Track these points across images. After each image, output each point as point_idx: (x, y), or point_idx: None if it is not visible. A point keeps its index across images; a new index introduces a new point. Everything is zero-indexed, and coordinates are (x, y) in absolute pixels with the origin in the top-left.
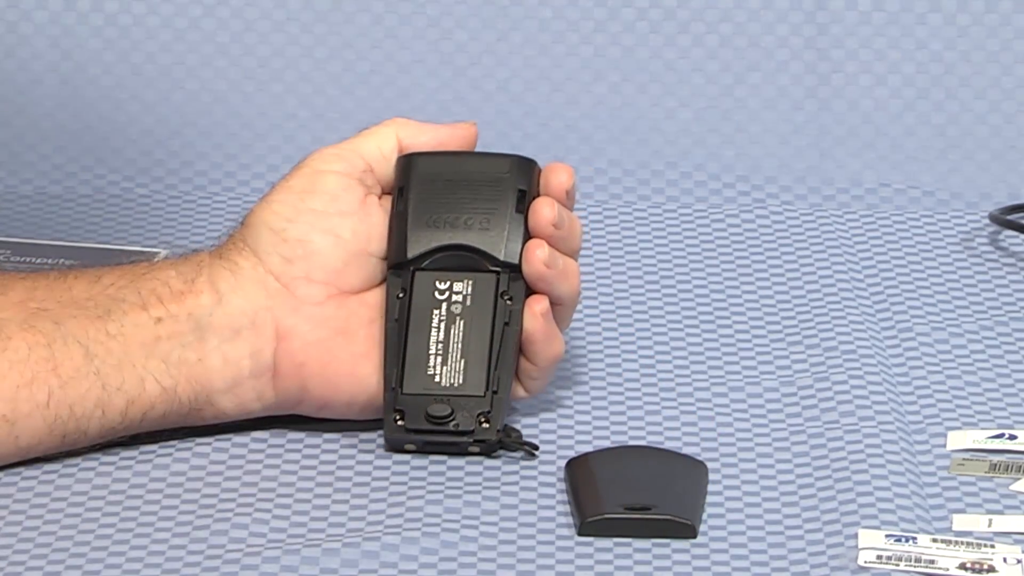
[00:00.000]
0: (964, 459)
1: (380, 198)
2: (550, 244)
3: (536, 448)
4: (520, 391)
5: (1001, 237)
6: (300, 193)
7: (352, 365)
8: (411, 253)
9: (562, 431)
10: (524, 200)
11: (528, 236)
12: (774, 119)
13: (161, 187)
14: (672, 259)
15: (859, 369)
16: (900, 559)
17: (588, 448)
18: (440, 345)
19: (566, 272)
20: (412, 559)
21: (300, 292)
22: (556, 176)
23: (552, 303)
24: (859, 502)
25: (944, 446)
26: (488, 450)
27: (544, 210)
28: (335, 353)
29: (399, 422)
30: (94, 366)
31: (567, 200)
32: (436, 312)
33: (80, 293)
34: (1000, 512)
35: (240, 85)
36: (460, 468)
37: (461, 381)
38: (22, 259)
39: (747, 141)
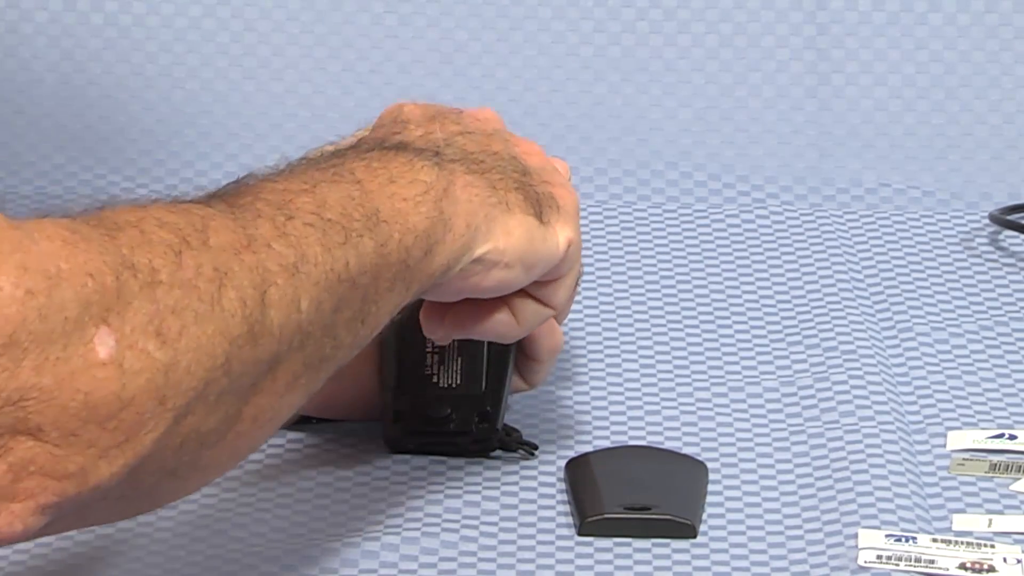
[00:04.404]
0: (964, 459)
1: None
2: None
3: (535, 448)
4: (522, 385)
5: (1001, 237)
6: None
7: (353, 366)
8: None
9: (562, 431)
10: None
11: None
12: (774, 119)
13: (161, 187)
14: (672, 259)
15: (859, 369)
16: (900, 559)
17: (588, 448)
18: (437, 345)
19: None
20: (412, 559)
21: None
22: None
23: None
24: (859, 502)
25: (944, 446)
26: (487, 450)
27: None
28: None
29: (398, 423)
30: None
31: None
32: None
33: None
34: (1000, 512)
35: (240, 85)
36: (460, 468)
37: (459, 381)
38: None
39: (747, 141)
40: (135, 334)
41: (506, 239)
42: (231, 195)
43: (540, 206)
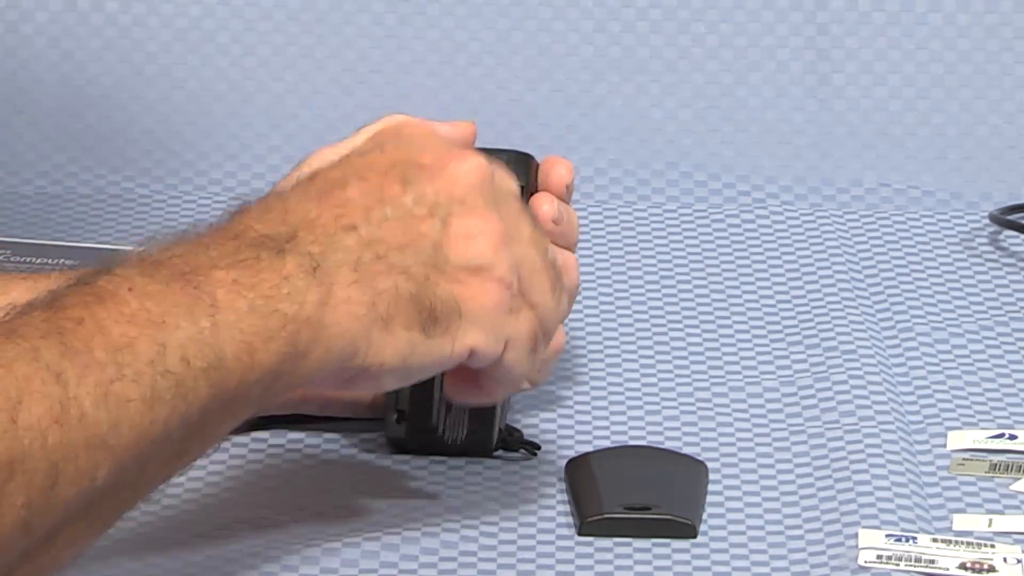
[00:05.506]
0: (964, 459)
1: None
2: (550, 240)
3: (537, 448)
4: (524, 384)
5: (1001, 237)
6: None
7: None
8: None
9: (562, 431)
10: (523, 196)
11: None
12: (774, 119)
13: (161, 187)
14: (672, 259)
15: (859, 369)
16: (900, 559)
17: (588, 448)
18: None
19: (566, 266)
20: (412, 559)
21: None
22: (556, 171)
23: None
24: (859, 502)
25: (944, 446)
26: (489, 450)
27: (544, 206)
28: None
29: (400, 422)
30: None
31: (566, 194)
32: None
33: None
34: (1000, 512)
35: (240, 85)
36: (460, 468)
37: None
38: (22, 259)
39: (747, 141)
40: None
41: (374, 356)
42: (74, 316)
43: (433, 314)
